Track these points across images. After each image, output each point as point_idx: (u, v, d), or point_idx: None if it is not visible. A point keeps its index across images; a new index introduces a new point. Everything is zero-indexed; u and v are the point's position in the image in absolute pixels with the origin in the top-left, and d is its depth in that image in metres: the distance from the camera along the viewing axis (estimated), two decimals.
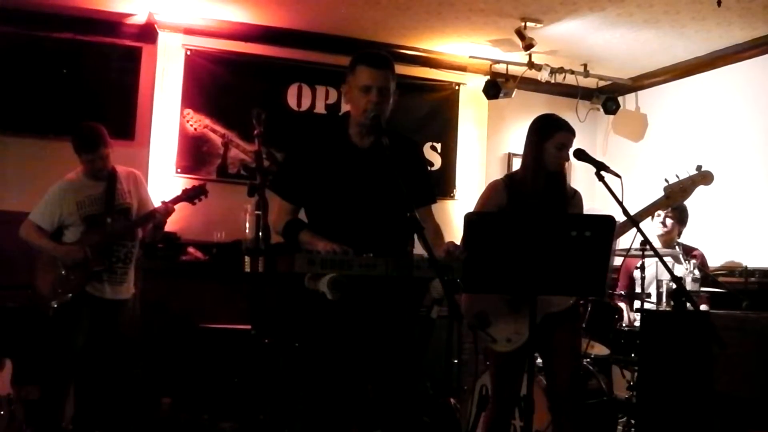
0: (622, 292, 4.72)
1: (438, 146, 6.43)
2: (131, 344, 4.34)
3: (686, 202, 3.98)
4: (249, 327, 3.06)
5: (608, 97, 6.53)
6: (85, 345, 4.03)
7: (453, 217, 6.05)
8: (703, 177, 3.45)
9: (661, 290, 4.37)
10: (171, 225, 5.37)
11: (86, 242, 4.01)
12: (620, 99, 6.60)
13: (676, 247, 4.72)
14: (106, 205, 4.07)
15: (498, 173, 6.22)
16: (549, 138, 3.32)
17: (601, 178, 3.14)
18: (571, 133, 3.36)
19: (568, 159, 3.35)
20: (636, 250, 3.91)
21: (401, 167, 2.71)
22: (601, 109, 6.56)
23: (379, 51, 3.02)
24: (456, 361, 3.61)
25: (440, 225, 3.01)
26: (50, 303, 3.98)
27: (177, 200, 4.17)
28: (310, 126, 5.85)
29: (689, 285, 4.25)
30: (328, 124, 3.17)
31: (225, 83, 5.82)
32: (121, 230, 4.08)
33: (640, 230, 3.16)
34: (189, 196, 4.20)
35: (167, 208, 4.12)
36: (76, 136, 4.07)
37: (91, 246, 3.99)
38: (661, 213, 4.70)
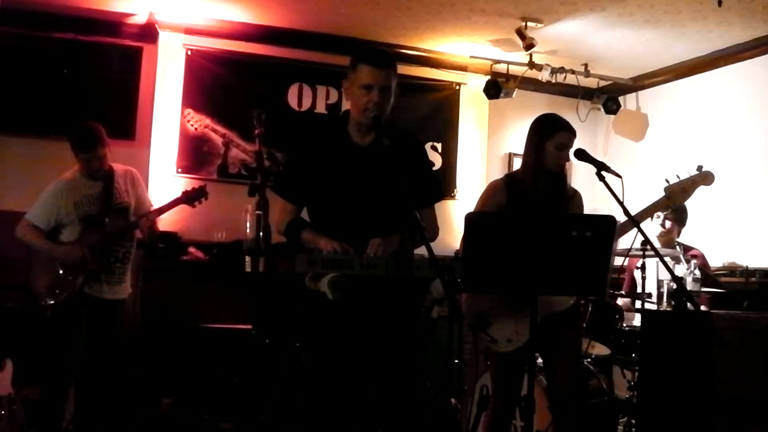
0: (624, 292, 4.71)
1: (438, 146, 6.43)
2: (130, 344, 4.33)
3: (687, 202, 3.97)
4: (249, 327, 3.06)
5: (609, 97, 6.52)
6: (84, 345, 4.03)
7: (453, 216, 6.05)
8: (704, 177, 3.43)
9: (661, 290, 4.36)
10: (172, 225, 5.40)
11: (84, 242, 3.99)
12: (621, 99, 6.61)
13: (677, 247, 4.71)
14: (104, 204, 4.05)
15: (498, 173, 6.21)
16: (549, 138, 3.32)
17: (601, 178, 3.13)
18: (571, 133, 3.35)
19: (568, 159, 3.35)
20: (636, 250, 3.91)
21: (403, 166, 2.71)
22: (602, 109, 6.56)
23: (381, 47, 3.00)
24: (456, 361, 3.61)
25: (440, 225, 3.01)
26: (47, 303, 3.97)
27: (176, 203, 4.15)
28: (310, 126, 5.85)
29: (690, 285, 4.24)
30: (329, 123, 3.17)
31: (226, 83, 5.82)
32: (120, 230, 4.07)
33: (640, 230, 3.15)
34: (189, 198, 4.17)
35: (148, 219, 4.10)
36: (73, 135, 4.05)
37: (90, 246, 3.97)
38: (660, 214, 4.69)
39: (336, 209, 2.89)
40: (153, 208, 4.16)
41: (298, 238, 2.87)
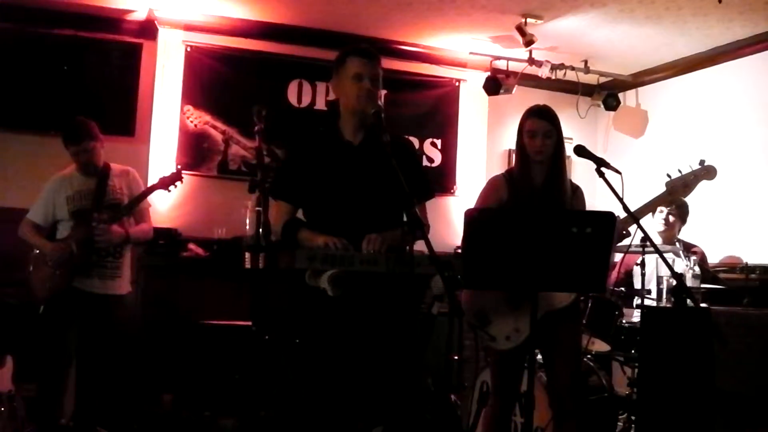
0: (611, 287, 4.68)
1: (438, 142, 6.42)
2: (130, 340, 4.33)
3: (687, 198, 3.96)
4: (250, 323, 3.06)
5: (609, 93, 6.52)
6: (79, 340, 4.04)
7: (453, 213, 6.03)
8: (707, 172, 3.39)
9: (661, 287, 4.36)
10: (172, 221, 5.39)
11: (73, 237, 4.00)
12: (621, 95, 6.60)
13: (677, 243, 4.71)
14: (95, 200, 4.06)
15: (498, 169, 6.17)
16: (522, 127, 3.36)
17: (601, 175, 3.12)
18: (540, 118, 3.31)
19: (542, 147, 3.29)
20: (636, 246, 3.90)
21: (396, 163, 2.72)
22: (602, 106, 6.55)
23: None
24: (456, 357, 3.61)
25: (440, 221, 3.01)
26: (40, 299, 4.01)
27: (153, 188, 4.15)
28: (304, 126, 5.85)
29: (689, 281, 4.24)
30: (320, 122, 3.19)
31: (225, 80, 5.82)
32: (105, 223, 4.03)
33: (640, 227, 3.15)
34: (165, 183, 4.18)
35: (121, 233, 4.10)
36: (64, 129, 4.09)
37: (77, 241, 3.98)
38: (663, 210, 4.70)
39: (329, 208, 2.90)
40: (134, 196, 4.15)
41: (294, 238, 2.87)
